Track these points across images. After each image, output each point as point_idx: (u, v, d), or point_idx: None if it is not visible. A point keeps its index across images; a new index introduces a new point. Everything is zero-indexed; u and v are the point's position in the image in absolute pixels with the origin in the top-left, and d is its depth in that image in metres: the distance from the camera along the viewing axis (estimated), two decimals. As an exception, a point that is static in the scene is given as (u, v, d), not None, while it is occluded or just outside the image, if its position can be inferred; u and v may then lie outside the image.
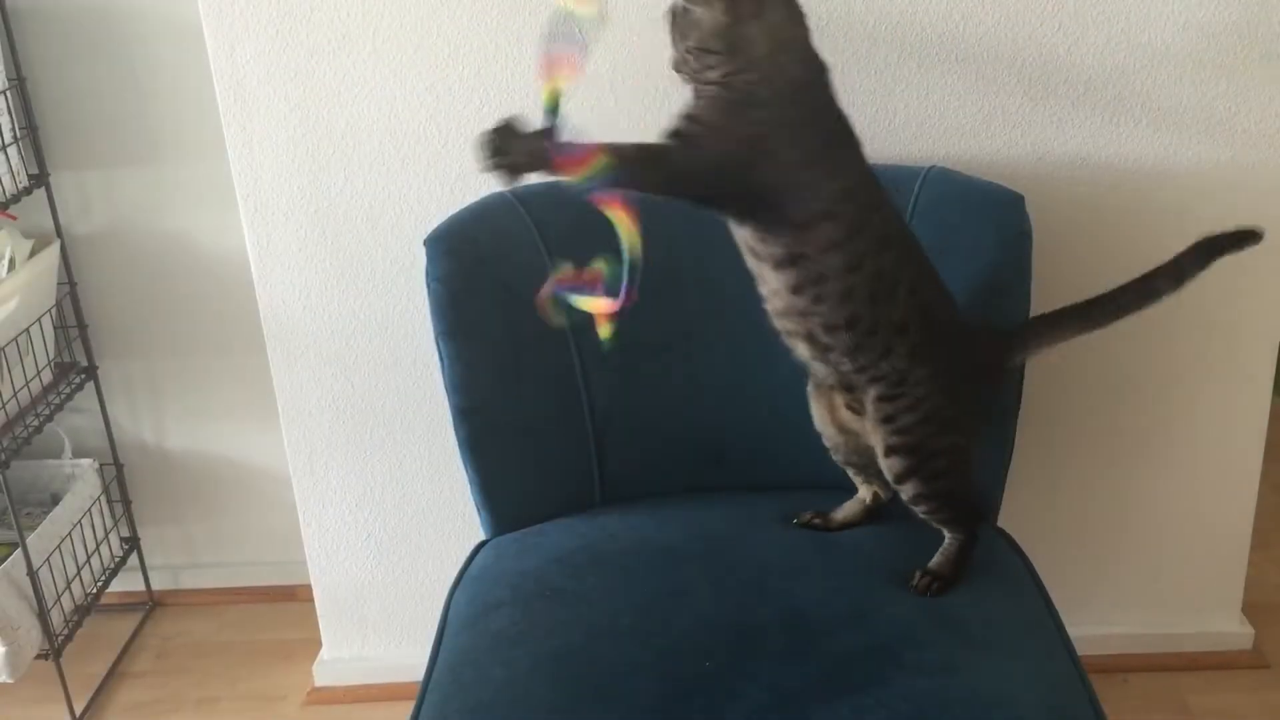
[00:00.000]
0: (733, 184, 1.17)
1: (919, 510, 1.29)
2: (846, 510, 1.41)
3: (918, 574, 1.28)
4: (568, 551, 1.38)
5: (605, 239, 1.12)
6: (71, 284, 1.97)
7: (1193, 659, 1.89)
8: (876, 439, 1.27)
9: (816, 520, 1.41)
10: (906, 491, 1.28)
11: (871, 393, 1.25)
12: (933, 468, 1.26)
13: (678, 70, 1.20)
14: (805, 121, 1.18)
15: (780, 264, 1.19)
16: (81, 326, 1.99)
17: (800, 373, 1.33)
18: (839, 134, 1.21)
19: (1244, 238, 1.24)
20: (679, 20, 1.18)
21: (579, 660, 1.20)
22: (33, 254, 1.87)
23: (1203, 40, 1.54)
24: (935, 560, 1.30)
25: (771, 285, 1.22)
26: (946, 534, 1.30)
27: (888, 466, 1.27)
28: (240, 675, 2.01)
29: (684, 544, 1.37)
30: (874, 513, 1.40)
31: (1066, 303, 1.67)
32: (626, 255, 1.11)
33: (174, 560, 2.20)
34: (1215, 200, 1.63)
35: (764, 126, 1.16)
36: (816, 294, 1.19)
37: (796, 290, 1.19)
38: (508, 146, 1.10)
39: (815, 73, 1.20)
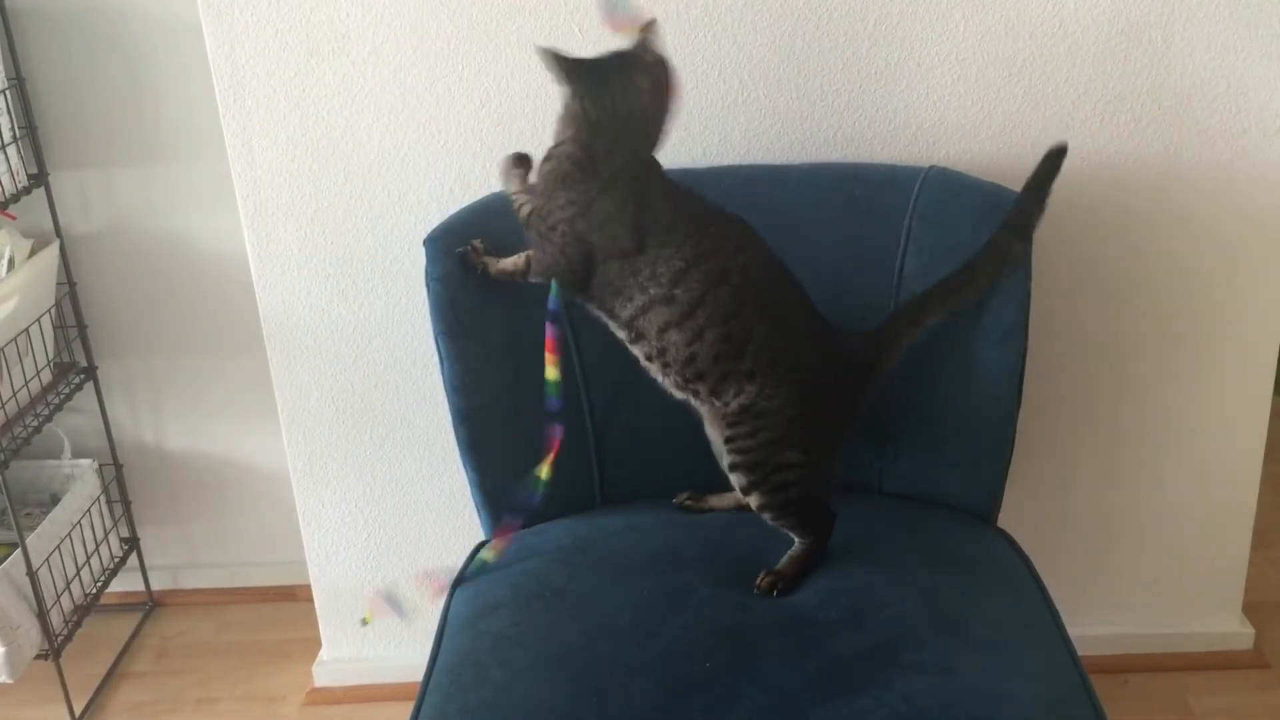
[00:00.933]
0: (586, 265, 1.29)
1: (765, 518, 1.31)
2: (723, 500, 1.44)
3: (763, 574, 1.30)
4: (568, 552, 1.38)
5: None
6: (71, 284, 1.97)
7: (1193, 659, 1.89)
8: (723, 457, 1.32)
9: (689, 501, 1.46)
10: (752, 502, 1.31)
11: (722, 422, 1.31)
12: (775, 480, 1.29)
13: None
14: (612, 216, 1.26)
15: (630, 341, 1.31)
16: (81, 326, 1.99)
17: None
18: (664, 222, 1.26)
19: (1058, 156, 1.33)
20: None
21: (579, 660, 1.20)
22: (32, 254, 1.87)
23: (1203, 40, 1.54)
24: (782, 562, 1.31)
25: (632, 355, 1.32)
26: (795, 538, 1.32)
27: (733, 480, 1.31)
28: (240, 675, 2.01)
29: (684, 544, 1.37)
30: (746, 508, 1.40)
31: (1065, 303, 1.68)
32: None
33: (173, 560, 2.20)
34: (1216, 201, 1.63)
35: (572, 208, 1.27)
36: (664, 362, 1.29)
37: (649, 359, 1.31)
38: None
39: (630, 169, 1.27)
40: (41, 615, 1.83)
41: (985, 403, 1.42)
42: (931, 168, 1.48)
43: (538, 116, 1.58)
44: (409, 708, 1.21)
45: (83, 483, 2.00)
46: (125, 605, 2.17)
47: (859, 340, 1.34)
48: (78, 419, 2.06)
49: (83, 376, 2.00)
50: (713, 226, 1.28)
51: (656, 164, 1.30)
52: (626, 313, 1.29)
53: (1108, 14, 1.53)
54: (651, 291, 1.26)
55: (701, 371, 1.28)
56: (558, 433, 1.37)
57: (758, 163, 1.57)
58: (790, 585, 1.28)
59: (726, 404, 1.29)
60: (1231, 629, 1.91)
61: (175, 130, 1.90)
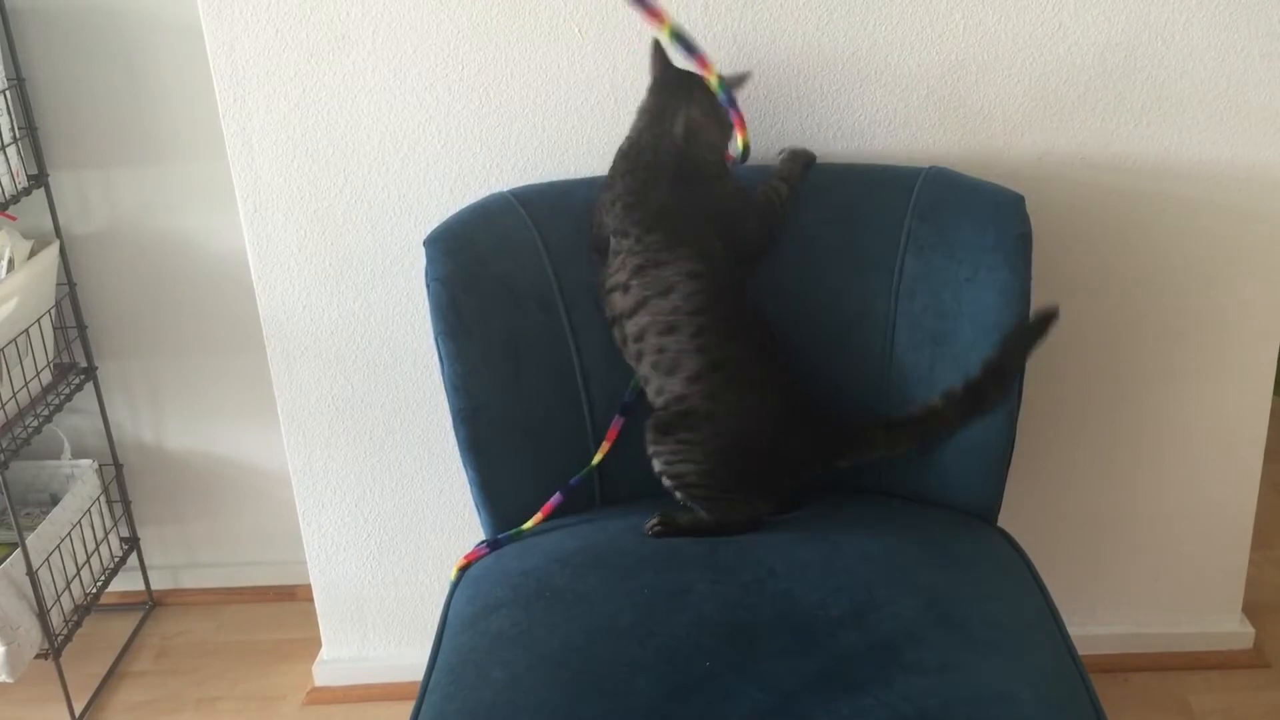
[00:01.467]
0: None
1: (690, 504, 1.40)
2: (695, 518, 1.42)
3: (656, 518, 1.38)
4: (568, 551, 1.38)
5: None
6: (71, 284, 1.97)
7: (1193, 658, 1.89)
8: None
9: (658, 527, 1.39)
10: (679, 495, 1.39)
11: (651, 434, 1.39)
12: (692, 494, 1.38)
13: None
14: (629, 189, 1.39)
15: (610, 322, 1.41)
16: (81, 327, 1.99)
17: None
18: (655, 219, 1.37)
19: (1046, 320, 1.37)
20: None
21: (579, 660, 1.20)
22: (32, 254, 1.87)
23: (1203, 39, 1.54)
24: (682, 513, 1.39)
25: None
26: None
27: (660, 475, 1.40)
28: (240, 675, 2.01)
29: (684, 544, 1.37)
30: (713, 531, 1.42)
31: (1065, 303, 1.68)
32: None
33: (174, 560, 2.20)
34: (1216, 200, 1.63)
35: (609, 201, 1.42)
36: (627, 349, 1.40)
37: (616, 344, 1.41)
38: None
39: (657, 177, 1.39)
40: (41, 615, 1.83)
41: (985, 403, 1.42)
42: (931, 168, 1.49)
43: (537, 117, 1.58)
44: (409, 708, 1.21)
45: (83, 483, 2.00)
46: (125, 605, 2.17)
47: (832, 429, 1.40)
48: (78, 419, 2.06)
49: (83, 377, 2.00)
50: (685, 249, 1.35)
51: (700, 180, 1.40)
52: (607, 283, 1.39)
53: (1108, 14, 1.53)
54: (622, 275, 1.37)
55: (646, 375, 1.38)
56: (556, 498, 1.45)
57: (757, 162, 1.57)
58: (675, 530, 1.36)
59: (659, 410, 1.38)
60: (1231, 629, 1.91)
61: (175, 130, 1.91)
